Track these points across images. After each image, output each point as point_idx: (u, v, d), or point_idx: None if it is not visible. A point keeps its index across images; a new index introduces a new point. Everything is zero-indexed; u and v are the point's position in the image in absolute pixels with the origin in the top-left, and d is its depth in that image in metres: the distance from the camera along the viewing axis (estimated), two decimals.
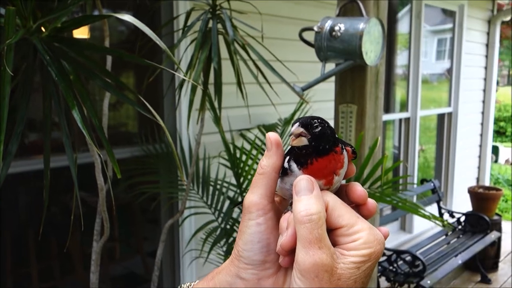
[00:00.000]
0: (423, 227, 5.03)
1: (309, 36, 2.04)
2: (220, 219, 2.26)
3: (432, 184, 4.81)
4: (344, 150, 0.50)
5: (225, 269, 0.49)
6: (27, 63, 1.14)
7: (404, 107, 4.99)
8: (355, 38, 1.90)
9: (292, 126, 0.49)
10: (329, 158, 0.48)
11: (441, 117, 5.56)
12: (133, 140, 2.51)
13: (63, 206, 2.44)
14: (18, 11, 1.07)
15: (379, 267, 3.63)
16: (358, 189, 0.49)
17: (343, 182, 0.51)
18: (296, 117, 2.54)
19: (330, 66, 2.06)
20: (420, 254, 3.81)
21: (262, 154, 2.40)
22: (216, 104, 1.75)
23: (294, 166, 0.49)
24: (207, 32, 1.65)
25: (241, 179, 2.16)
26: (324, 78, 2.02)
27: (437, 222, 1.84)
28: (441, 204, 4.93)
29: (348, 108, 2.14)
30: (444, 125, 5.56)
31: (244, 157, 2.21)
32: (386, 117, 4.85)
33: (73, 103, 0.97)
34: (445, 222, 1.84)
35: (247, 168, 2.18)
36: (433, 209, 4.83)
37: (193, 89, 1.59)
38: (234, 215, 2.31)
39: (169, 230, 2.07)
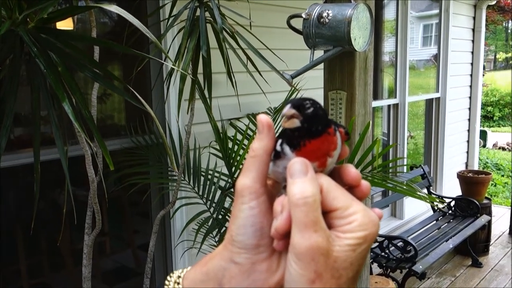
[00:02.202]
0: (413, 213, 5.08)
1: (298, 23, 2.04)
2: (212, 209, 2.26)
3: (421, 170, 4.85)
4: (337, 131, 0.49)
5: (218, 254, 0.49)
6: (14, 55, 1.12)
7: (392, 93, 5.01)
8: (343, 24, 1.90)
9: (284, 108, 0.47)
10: (322, 139, 0.47)
11: (429, 102, 5.60)
12: (122, 132, 2.49)
13: (53, 200, 2.43)
14: (3, 2, 1.05)
15: (371, 254, 3.66)
16: (352, 171, 0.48)
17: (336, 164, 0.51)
18: None
19: (319, 53, 2.06)
20: (411, 239, 3.84)
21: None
22: (206, 94, 1.74)
23: (287, 148, 0.48)
24: (195, 20, 1.63)
25: (233, 169, 2.16)
26: (313, 65, 2.01)
27: (433, 202, 1.85)
28: (431, 189, 4.98)
29: (338, 95, 2.15)
30: (432, 111, 5.60)
31: (235, 147, 2.21)
32: (375, 103, 4.87)
33: (63, 95, 0.96)
34: (436, 199, 1.85)
35: (238, 158, 2.18)
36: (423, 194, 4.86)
37: (183, 79, 1.58)
38: (226, 204, 2.31)
39: (160, 221, 2.07)
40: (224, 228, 2.21)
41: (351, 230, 0.43)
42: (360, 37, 1.96)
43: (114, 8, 1.02)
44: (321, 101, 2.18)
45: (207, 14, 1.67)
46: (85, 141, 1.21)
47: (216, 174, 2.34)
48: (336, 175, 0.50)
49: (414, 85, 5.39)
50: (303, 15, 1.99)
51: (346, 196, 0.45)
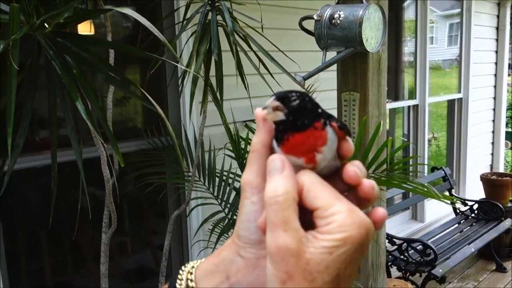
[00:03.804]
0: (435, 216, 5.01)
1: (310, 25, 2.06)
2: (226, 210, 2.30)
3: (443, 172, 4.78)
4: (328, 126, 0.46)
5: (227, 247, 0.50)
6: (32, 59, 1.18)
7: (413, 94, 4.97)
8: (355, 25, 1.91)
9: (269, 99, 0.46)
10: (307, 134, 0.45)
11: (451, 103, 5.52)
12: (140, 134, 2.55)
13: (74, 200, 2.50)
14: (22, 8, 1.11)
15: (390, 256, 3.64)
16: (349, 169, 0.45)
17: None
18: None
19: (332, 55, 2.07)
20: (431, 242, 3.79)
21: None
22: (218, 96, 1.78)
23: (274, 142, 0.47)
24: (207, 24, 1.67)
25: None
26: (325, 66, 2.03)
27: (452, 203, 1.84)
28: (453, 192, 4.91)
29: (351, 96, 2.16)
30: (454, 112, 5.52)
31: (249, 148, 2.23)
32: (395, 104, 4.84)
33: (76, 95, 1.01)
34: (452, 199, 1.83)
35: None
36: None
37: (194, 81, 1.62)
38: None
39: (177, 221, 2.11)
40: None
41: (328, 231, 0.41)
42: (372, 38, 1.97)
43: (127, 11, 1.06)
44: (334, 102, 2.19)
45: (219, 17, 1.71)
46: (99, 141, 1.25)
47: (231, 175, 2.38)
48: (339, 175, 0.47)
49: (438, 85, 5.32)
50: (315, 17, 2.01)
51: (329, 195, 0.43)
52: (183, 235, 2.67)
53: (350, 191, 0.48)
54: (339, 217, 0.41)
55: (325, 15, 1.99)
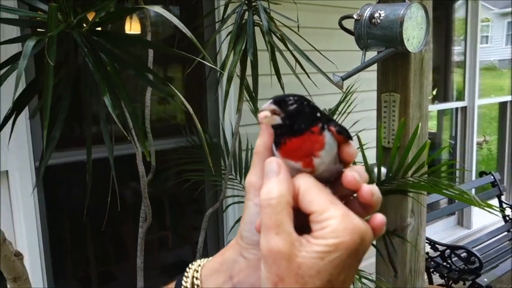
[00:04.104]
0: (483, 223, 4.82)
1: (349, 24, 2.03)
2: None
3: (492, 177, 4.58)
4: (326, 130, 0.46)
5: (232, 247, 0.50)
6: (69, 57, 1.22)
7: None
8: (396, 24, 1.86)
9: (266, 103, 0.46)
10: (303, 138, 0.45)
11: (503, 105, 5.29)
12: (180, 131, 2.59)
13: (120, 194, 2.57)
14: (60, 7, 1.15)
15: (432, 263, 3.53)
16: (348, 174, 0.45)
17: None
18: (340, 108, 2.53)
19: (371, 55, 2.03)
20: (477, 250, 3.64)
21: None
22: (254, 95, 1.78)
23: (273, 146, 0.47)
24: (243, 24, 1.68)
25: None
26: (364, 66, 1.99)
27: (491, 210, 1.75)
28: (503, 198, 4.69)
29: (391, 97, 2.11)
30: (506, 114, 5.28)
31: None
32: (442, 106, 4.70)
33: (105, 89, 1.03)
34: (495, 207, 1.74)
35: None
36: (493, 203, 4.60)
37: (229, 80, 1.63)
38: None
39: (214, 218, 2.13)
40: None
41: (322, 236, 0.41)
42: (414, 38, 1.91)
43: (157, 9, 1.08)
44: (373, 103, 2.14)
45: (255, 17, 1.71)
46: (132, 137, 1.28)
47: None
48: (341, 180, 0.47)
49: (492, 86, 5.11)
50: (355, 16, 1.98)
51: (325, 200, 0.43)
52: (220, 231, 2.70)
53: (355, 196, 0.47)
54: (333, 222, 0.41)
55: (365, 14, 1.95)
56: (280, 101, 0.46)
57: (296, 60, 1.82)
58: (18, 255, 1.35)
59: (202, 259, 0.53)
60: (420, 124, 1.95)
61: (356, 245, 0.41)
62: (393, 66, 2.09)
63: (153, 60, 1.64)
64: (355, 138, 2.02)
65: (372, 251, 2.32)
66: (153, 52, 1.71)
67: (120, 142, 1.91)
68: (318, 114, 0.46)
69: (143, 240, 1.83)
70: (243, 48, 1.69)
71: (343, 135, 0.46)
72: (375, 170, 2.01)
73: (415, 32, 1.91)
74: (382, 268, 2.28)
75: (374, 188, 0.45)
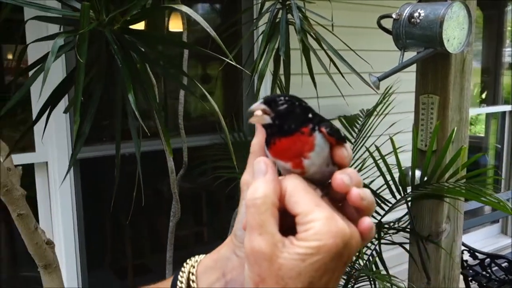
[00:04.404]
0: None
1: (387, 23, 1.98)
2: None
3: None
4: (317, 132, 0.45)
5: (226, 244, 0.51)
6: (100, 55, 1.25)
7: None
8: (435, 24, 1.80)
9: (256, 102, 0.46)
10: (293, 139, 0.44)
11: None
12: (216, 129, 2.62)
13: (156, 189, 2.63)
14: (93, 6, 1.18)
15: (470, 271, 3.40)
16: (336, 177, 0.44)
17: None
18: (379, 108, 2.47)
19: (410, 55, 1.97)
20: None
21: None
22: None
23: (265, 146, 0.47)
24: (276, 23, 1.67)
25: None
26: (402, 67, 1.93)
27: None
28: None
29: (429, 99, 2.04)
30: None
31: None
32: (489, 109, 4.53)
33: (130, 87, 1.06)
34: None
35: None
36: None
37: (260, 79, 1.62)
38: None
39: None
40: None
41: (304, 238, 0.40)
42: (454, 38, 1.84)
43: (184, 9, 1.09)
44: (411, 105, 2.08)
45: (289, 16, 1.70)
46: (161, 133, 1.30)
47: None
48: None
49: None
50: (394, 15, 1.93)
51: (310, 202, 0.42)
52: None
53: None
54: (316, 224, 0.41)
55: (404, 14, 1.90)
56: (270, 101, 0.46)
57: (331, 59, 1.79)
58: (50, 243, 1.41)
59: (200, 255, 0.54)
60: (457, 128, 1.88)
61: (338, 248, 0.40)
62: (433, 67, 2.03)
63: (194, 57, 1.66)
64: (388, 141, 1.98)
65: (404, 257, 2.26)
66: (188, 50, 1.74)
67: (158, 137, 1.94)
68: (310, 115, 0.46)
69: (173, 235, 1.86)
70: (276, 46, 1.68)
71: (335, 137, 0.46)
72: (410, 173, 1.96)
73: (456, 33, 1.84)
74: (414, 274, 2.22)
75: (364, 192, 0.44)
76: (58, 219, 2.04)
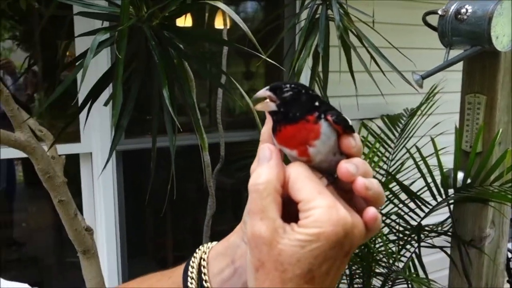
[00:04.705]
0: None
1: (432, 21, 1.92)
2: None
3: None
4: (323, 120, 0.45)
5: (236, 231, 0.52)
6: (139, 50, 1.29)
7: None
8: (483, 20, 1.73)
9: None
10: (298, 126, 0.44)
11: None
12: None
13: (197, 183, 2.68)
14: (132, 2, 1.21)
15: None
16: (341, 166, 0.44)
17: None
18: (423, 108, 2.41)
19: (456, 53, 1.90)
20: None
21: (383, 146, 2.30)
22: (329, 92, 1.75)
23: (272, 133, 0.47)
24: (316, 19, 1.66)
25: None
26: (447, 65, 1.87)
27: None
28: None
29: (476, 99, 1.96)
30: None
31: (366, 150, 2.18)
32: None
33: (165, 82, 1.08)
34: None
35: (368, 160, 2.13)
36: None
37: (297, 75, 1.62)
38: None
39: None
40: None
41: (305, 225, 0.41)
42: (504, 35, 1.76)
43: (220, 5, 1.11)
44: (455, 105, 2.01)
45: (330, 12, 1.68)
46: (200, 129, 1.33)
47: None
48: None
49: None
50: (439, 12, 1.86)
51: (313, 189, 0.42)
52: None
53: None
54: (316, 212, 0.41)
55: (451, 10, 1.84)
56: (276, 88, 0.46)
57: (372, 57, 1.76)
58: (89, 230, 1.46)
59: (212, 242, 0.55)
60: (504, 129, 1.80)
61: (338, 237, 0.40)
62: (480, 65, 1.95)
63: (237, 55, 1.67)
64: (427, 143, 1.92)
65: (445, 262, 2.19)
66: (228, 47, 1.75)
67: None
68: (317, 103, 0.46)
69: (209, 228, 1.89)
70: (315, 43, 1.67)
71: (341, 125, 0.45)
72: (452, 175, 1.89)
73: (505, 30, 1.76)
74: (455, 280, 2.15)
75: (370, 182, 0.44)
76: (100, 207, 2.12)
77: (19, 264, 3.10)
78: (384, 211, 2.13)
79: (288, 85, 0.46)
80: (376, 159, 2.17)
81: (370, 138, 2.25)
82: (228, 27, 1.85)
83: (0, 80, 2.71)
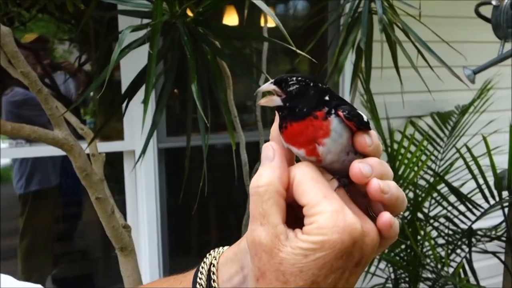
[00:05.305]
0: None
1: (486, 12, 1.80)
2: None
3: None
4: (333, 116, 0.41)
5: (246, 236, 0.50)
6: (174, 46, 1.28)
7: None
8: None
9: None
10: (305, 123, 0.41)
11: None
12: None
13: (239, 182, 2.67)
14: None
15: None
16: (353, 166, 0.40)
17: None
18: (476, 104, 2.27)
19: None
20: None
21: (432, 145, 2.20)
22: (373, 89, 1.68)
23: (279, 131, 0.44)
24: (359, 13, 1.59)
25: (400, 171, 2.04)
26: (501, 59, 1.75)
27: None
28: None
29: None
30: None
31: (411, 148, 2.09)
32: None
33: (194, 77, 1.06)
34: None
35: (414, 159, 2.04)
36: None
37: (339, 71, 1.56)
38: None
39: None
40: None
41: (308, 231, 0.38)
42: None
43: (257, 2, 1.07)
44: (510, 102, 1.88)
45: (373, 5, 1.61)
46: (231, 127, 1.30)
47: None
48: None
49: None
50: (494, 2, 1.74)
51: (318, 192, 0.39)
52: None
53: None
54: (321, 217, 0.37)
55: (506, 0, 1.72)
56: (281, 81, 0.43)
57: (419, 51, 1.67)
58: (126, 227, 1.47)
59: (223, 247, 0.53)
60: None
61: (345, 245, 0.36)
62: None
63: (282, 51, 1.64)
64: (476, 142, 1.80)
65: (499, 268, 2.06)
66: (267, 44, 1.72)
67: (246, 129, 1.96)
68: (327, 97, 0.42)
69: (247, 227, 1.87)
70: (358, 38, 1.61)
71: (354, 122, 0.41)
72: (506, 176, 1.78)
73: None
74: (509, 287, 2.02)
75: (386, 185, 0.40)
76: (142, 204, 2.15)
77: (70, 257, 3.22)
78: (432, 214, 2.03)
79: (294, 78, 0.42)
80: (424, 157, 2.07)
81: (418, 136, 2.15)
82: (268, 24, 1.81)
83: (50, 80, 2.82)
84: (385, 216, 0.40)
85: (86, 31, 2.70)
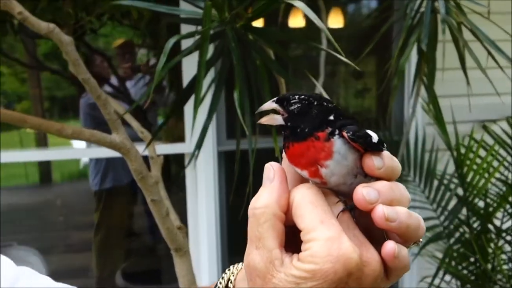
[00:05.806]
0: None
1: None
2: (442, 217, 2.06)
3: None
4: (336, 137, 0.39)
5: None
6: (223, 53, 1.29)
7: None
8: None
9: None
10: (307, 144, 0.39)
11: None
12: (372, 126, 2.52)
13: None
14: (215, 3, 1.22)
15: None
16: (357, 191, 0.38)
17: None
18: None
19: None
20: None
21: (506, 151, 2.05)
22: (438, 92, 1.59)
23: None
24: (422, 12, 1.52)
25: (469, 178, 1.91)
26: None
27: None
28: None
29: None
30: None
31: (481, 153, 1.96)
32: None
33: (237, 84, 1.06)
34: None
35: (485, 165, 1.92)
36: None
37: (399, 74, 1.49)
38: (461, 216, 2.06)
39: None
40: (453, 239, 2.00)
41: (302, 259, 0.36)
42: None
43: (297, 4, 1.06)
44: None
45: (436, 4, 1.52)
46: (273, 132, 1.30)
47: (455, 181, 2.11)
48: None
49: None
50: None
51: (315, 217, 0.37)
52: None
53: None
54: (315, 245, 0.36)
55: None
56: (283, 100, 0.42)
57: (489, 52, 1.56)
58: (181, 228, 1.51)
59: (242, 263, 0.53)
60: None
61: (338, 276, 0.35)
62: None
63: (346, 53, 1.61)
64: None
65: None
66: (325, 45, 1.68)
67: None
68: (331, 117, 0.40)
69: None
70: (419, 38, 1.53)
71: (359, 143, 0.39)
72: None
73: None
74: None
75: (393, 212, 0.37)
76: (202, 206, 2.19)
77: (139, 253, 3.37)
78: (504, 227, 1.89)
79: (297, 96, 0.41)
80: (495, 164, 1.93)
81: (488, 142, 2.01)
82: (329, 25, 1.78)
83: (122, 84, 2.95)
84: (388, 246, 0.37)
85: (155, 37, 2.81)
